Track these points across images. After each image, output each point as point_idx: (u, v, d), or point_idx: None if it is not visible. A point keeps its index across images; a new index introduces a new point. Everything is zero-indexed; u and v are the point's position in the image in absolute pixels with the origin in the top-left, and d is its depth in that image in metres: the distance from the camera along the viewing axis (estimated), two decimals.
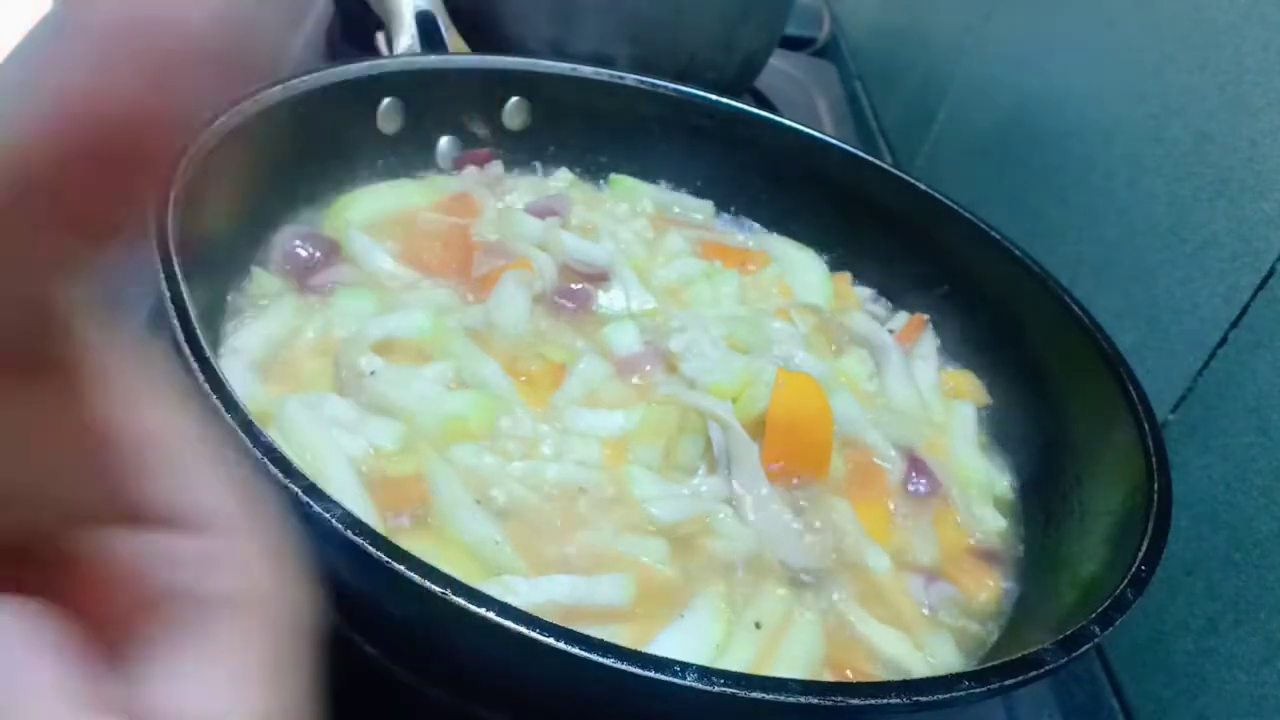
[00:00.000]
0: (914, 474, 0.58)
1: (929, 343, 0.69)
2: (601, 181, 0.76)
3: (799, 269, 0.73)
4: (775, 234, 0.76)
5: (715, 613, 0.47)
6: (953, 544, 0.56)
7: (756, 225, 0.77)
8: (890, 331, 0.69)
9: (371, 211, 0.65)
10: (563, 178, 0.75)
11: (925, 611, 0.52)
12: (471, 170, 0.71)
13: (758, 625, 0.47)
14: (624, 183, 0.76)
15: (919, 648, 0.50)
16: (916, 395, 0.65)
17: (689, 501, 0.52)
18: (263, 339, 0.54)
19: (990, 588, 0.54)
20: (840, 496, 0.55)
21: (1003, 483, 0.61)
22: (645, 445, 0.54)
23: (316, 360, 0.54)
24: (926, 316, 0.70)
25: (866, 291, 0.74)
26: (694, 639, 0.46)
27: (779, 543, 0.51)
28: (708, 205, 0.77)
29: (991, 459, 0.63)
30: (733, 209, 0.77)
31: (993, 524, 0.58)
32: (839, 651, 0.48)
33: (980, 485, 0.60)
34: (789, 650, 0.47)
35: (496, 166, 0.72)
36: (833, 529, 0.53)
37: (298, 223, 0.63)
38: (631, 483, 0.52)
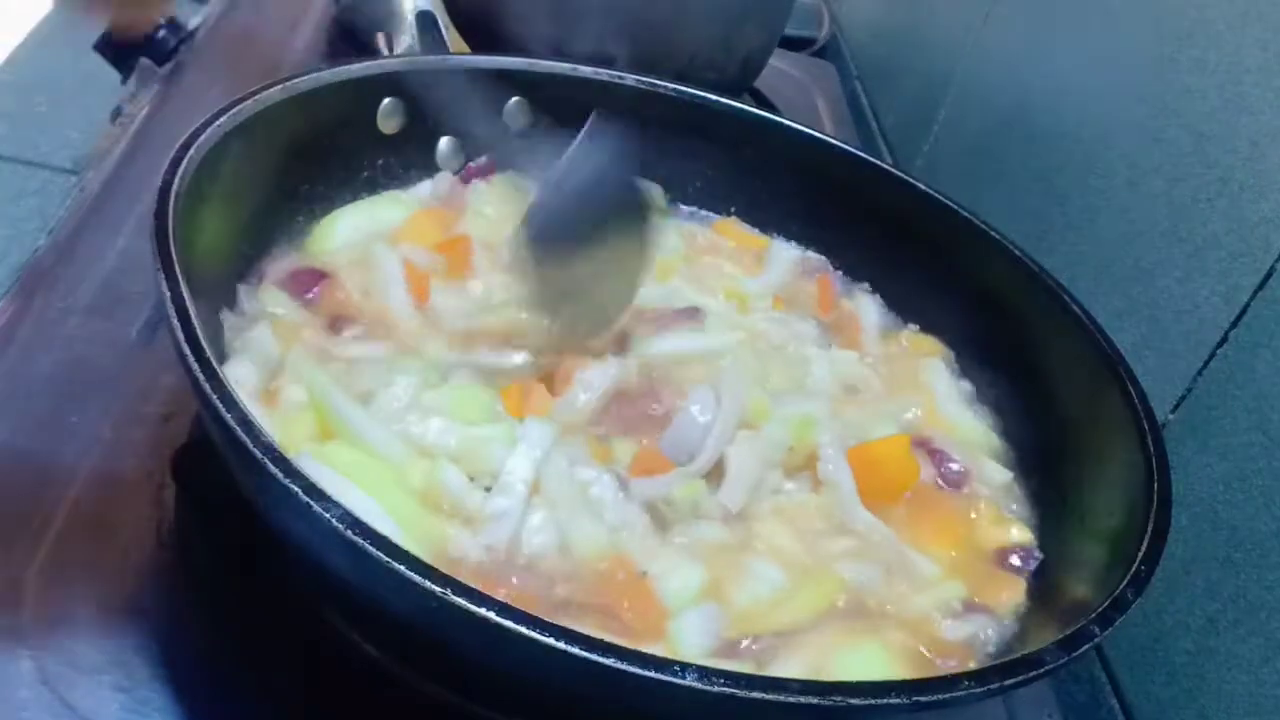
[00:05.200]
0: (937, 460, 0.58)
1: (867, 307, 0.71)
2: None
3: None
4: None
5: None
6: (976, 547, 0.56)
7: (701, 210, 0.77)
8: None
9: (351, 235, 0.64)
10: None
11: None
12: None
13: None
14: None
15: None
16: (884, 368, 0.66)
17: None
18: (257, 367, 0.53)
19: (1011, 600, 0.52)
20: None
21: (994, 438, 0.62)
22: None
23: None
24: (830, 277, 0.72)
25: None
26: None
27: None
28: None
29: (976, 411, 0.64)
30: (686, 199, 0.77)
31: (999, 478, 0.59)
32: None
33: (978, 443, 0.61)
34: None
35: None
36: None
37: (292, 232, 0.62)
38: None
